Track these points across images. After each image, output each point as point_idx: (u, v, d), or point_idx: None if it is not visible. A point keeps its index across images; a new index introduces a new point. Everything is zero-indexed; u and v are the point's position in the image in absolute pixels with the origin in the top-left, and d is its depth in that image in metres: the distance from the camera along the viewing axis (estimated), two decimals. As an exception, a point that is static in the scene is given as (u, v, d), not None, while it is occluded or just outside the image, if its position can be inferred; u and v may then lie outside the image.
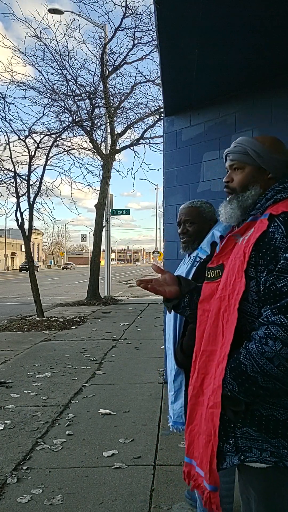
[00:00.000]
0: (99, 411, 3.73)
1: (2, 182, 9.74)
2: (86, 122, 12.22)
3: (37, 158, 9.85)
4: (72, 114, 11.22)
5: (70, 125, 10.95)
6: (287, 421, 1.10)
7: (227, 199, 1.32)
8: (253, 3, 2.54)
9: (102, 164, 13.62)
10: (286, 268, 1.06)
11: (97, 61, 12.57)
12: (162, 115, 4.77)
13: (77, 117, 11.35)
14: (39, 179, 9.80)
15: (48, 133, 10.16)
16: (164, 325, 2.25)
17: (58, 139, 10.36)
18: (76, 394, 4.25)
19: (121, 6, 11.41)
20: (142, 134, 13.67)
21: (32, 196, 9.61)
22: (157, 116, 12.78)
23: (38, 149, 9.76)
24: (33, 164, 9.68)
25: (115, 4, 11.92)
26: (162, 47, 3.11)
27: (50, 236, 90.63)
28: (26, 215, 9.61)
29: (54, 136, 10.19)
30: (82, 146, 12.67)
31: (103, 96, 12.50)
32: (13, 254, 72.18)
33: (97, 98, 12.38)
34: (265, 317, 1.07)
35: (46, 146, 10.02)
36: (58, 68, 11.68)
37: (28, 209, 9.63)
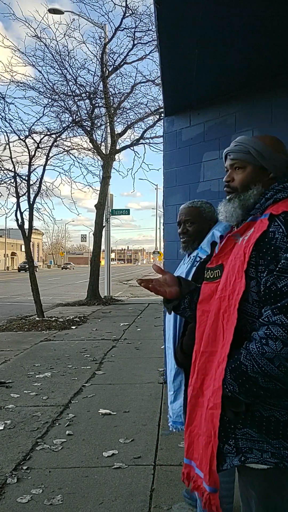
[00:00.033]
0: (99, 411, 3.73)
1: (2, 182, 9.75)
2: (86, 122, 12.22)
3: (37, 158, 9.87)
4: (72, 114, 11.23)
5: (70, 125, 10.96)
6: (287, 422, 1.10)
7: (227, 197, 1.31)
8: (253, 3, 2.54)
9: (102, 164, 13.62)
10: (287, 268, 1.06)
11: (97, 61, 12.59)
12: (162, 115, 4.77)
13: (77, 117, 11.36)
14: (39, 179, 9.82)
15: (48, 133, 10.16)
16: (164, 325, 2.25)
17: (58, 139, 10.37)
18: (76, 394, 4.25)
19: (121, 6, 11.43)
20: (142, 134, 13.69)
21: (32, 196, 9.62)
22: (157, 116, 12.78)
23: (38, 149, 9.76)
24: (33, 164, 9.70)
25: (115, 4, 11.95)
26: (162, 47, 3.11)
27: (50, 236, 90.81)
28: (26, 215, 9.63)
29: (54, 136, 10.19)
30: (82, 146, 12.70)
31: (103, 96, 12.51)
32: (13, 254, 72.18)
33: (97, 98, 12.38)
34: (265, 317, 1.07)
35: (46, 146, 10.03)
36: (58, 68, 11.70)
37: (28, 209, 9.64)
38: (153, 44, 11.67)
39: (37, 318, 9.39)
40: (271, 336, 1.03)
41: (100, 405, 3.89)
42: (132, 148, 14.01)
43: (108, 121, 12.98)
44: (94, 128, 12.68)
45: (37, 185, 9.76)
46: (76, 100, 11.71)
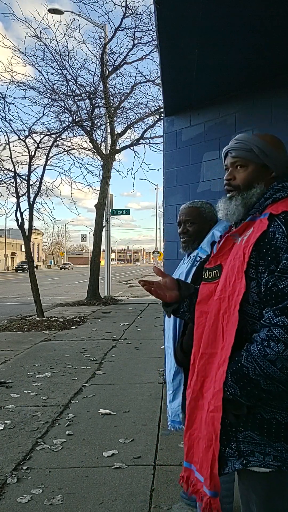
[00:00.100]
0: (99, 411, 3.73)
1: (2, 182, 9.75)
2: (86, 122, 12.22)
3: (37, 158, 9.87)
4: (72, 114, 11.23)
5: (70, 125, 10.96)
6: None
7: (229, 195, 1.29)
8: (253, 3, 2.54)
9: (102, 164, 13.63)
10: None
11: (97, 61, 12.60)
12: (162, 115, 4.77)
13: (77, 117, 11.36)
14: (39, 179, 9.82)
15: (48, 133, 10.16)
16: (164, 324, 2.26)
17: (58, 139, 10.37)
18: (76, 394, 4.24)
19: (121, 6, 11.44)
20: (142, 134, 13.69)
21: (32, 196, 9.62)
22: (157, 116, 12.78)
23: (38, 149, 9.77)
24: (33, 164, 9.70)
25: (115, 4, 11.94)
26: (162, 47, 3.10)
27: (50, 236, 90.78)
28: (26, 215, 9.63)
29: (54, 136, 10.19)
30: (82, 146, 12.70)
31: (103, 96, 12.51)
32: (13, 254, 72.18)
33: (97, 98, 12.38)
34: (267, 319, 1.05)
35: (46, 146, 10.03)
36: (58, 68, 11.71)
37: (28, 209, 9.64)
38: (153, 44, 11.68)
39: (37, 318, 9.39)
40: (273, 338, 1.01)
41: (100, 405, 3.89)
42: (132, 148, 14.02)
43: (108, 121, 12.98)
44: (94, 128, 12.69)
45: (37, 185, 9.78)
46: (76, 100, 11.71)
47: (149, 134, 13.85)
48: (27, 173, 9.60)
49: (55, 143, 10.24)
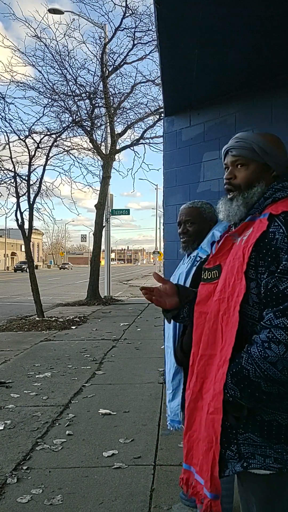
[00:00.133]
0: (99, 411, 3.73)
1: (2, 182, 9.75)
2: (86, 122, 12.23)
3: (37, 158, 9.87)
4: (72, 114, 11.23)
5: (70, 125, 10.96)
6: None
7: (229, 196, 1.27)
8: (253, 3, 2.54)
9: (102, 164, 13.63)
10: None
11: (97, 61, 12.60)
12: (162, 115, 4.77)
13: (77, 117, 11.36)
14: (39, 179, 9.82)
15: (48, 133, 10.17)
16: (163, 324, 2.26)
17: (58, 139, 10.37)
18: (76, 394, 4.25)
19: (121, 6, 11.44)
20: (142, 134, 13.69)
21: (32, 196, 9.63)
22: (157, 116, 12.78)
23: (38, 149, 9.77)
24: (33, 164, 9.70)
25: (115, 4, 11.96)
26: (162, 47, 3.10)
27: (50, 236, 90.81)
28: (26, 215, 9.63)
29: (54, 136, 10.19)
30: (82, 146, 12.70)
31: (103, 96, 12.51)
32: (13, 254, 72.19)
33: (97, 98, 12.39)
34: (267, 320, 1.04)
35: (46, 146, 10.03)
36: (58, 68, 11.71)
37: (28, 209, 9.64)
38: (153, 44, 11.68)
39: (37, 318, 9.39)
40: (273, 340, 1.00)
41: (100, 405, 3.89)
42: (132, 148, 14.03)
43: (108, 121, 12.99)
44: (94, 128, 12.69)
45: (37, 185, 9.78)
46: (76, 100, 11.72)
47: (149, 134, 13.88)
48: (27, 173, 9.62)
49: (55, 143, 10.25)
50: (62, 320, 9.37)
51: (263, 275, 1.08)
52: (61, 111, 11.36)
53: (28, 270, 10.02)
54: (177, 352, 1.94)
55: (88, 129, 12.32)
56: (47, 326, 8.54)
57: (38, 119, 14.17)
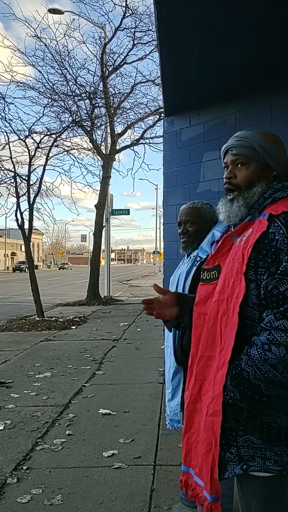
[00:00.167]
0: (99, 411, 3.73)
1: (2, 182, 9.75)
2: (86, 122, 12.23)
3: (37, 158, 9.87)
4: (72, 114, 11.23)
5: (70, 125, 10.96)
6: None
7: (229, 197, 1.25)
8: (253, 3, 2.54)
9: (102, 164, 13.63)
10: None
11: (97, 61, 12.60)
12: (162, 115, 4.77)
13: (77, 117, 11.36)
14: (39, 179, 9.82)
15: (48, 133, 10.17)
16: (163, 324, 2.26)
17: (58, 139, 10.37)
18: (76, 394, 4.25)
19: (121, 6, 11.45)
20: (142, 134, 13.69)
21: (32, 196, 9.63)
22: (157, 116, 12.78)
23: (38, 149, 9.77)
24: (33, 164, 9.70)
25: (115, 4, 11.95)
26: (162, 47, 3.10)
27: (50, 236, 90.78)
28: (26, 215, 9.63)
29: (54, 136, 10.20)
30: (82, 146, 12.70)
31: (103, 96, 12.51)
32: (13, 254, 72.20)
33: (97, 98, 12.39)
34: (267, 322, 1.03)
35: (46, 146, 10.03)
36: (58, 68, 11.71)
37: (28, 209, 9.64)
38: (153, 44, 11.68)
39: (37, 318, 9.39)
40: (274, 342, 0.99)
41: (100, 405, 3.89)
42: (132, 148, 14.03)
43: (108, 121, 12.99)
44: (94, 128, 12.69)
45: (37, 185, 9.78)
46: (76, 100, 11.72)
47: (149, 134, 13.87)
48: (27, 173, 9.62)
49: (55, 143, 10.25)
50: (62, 320, 9.38)
51: (263, 276, 1.07)
52: (61, 111, 11.38)
53: (27, 270, 10.01)
54: (177, 352, 1.94)
55: (88, 129, 12.32)
56: (47, 326, 8.54)
57: (38, 119, 14.17)
